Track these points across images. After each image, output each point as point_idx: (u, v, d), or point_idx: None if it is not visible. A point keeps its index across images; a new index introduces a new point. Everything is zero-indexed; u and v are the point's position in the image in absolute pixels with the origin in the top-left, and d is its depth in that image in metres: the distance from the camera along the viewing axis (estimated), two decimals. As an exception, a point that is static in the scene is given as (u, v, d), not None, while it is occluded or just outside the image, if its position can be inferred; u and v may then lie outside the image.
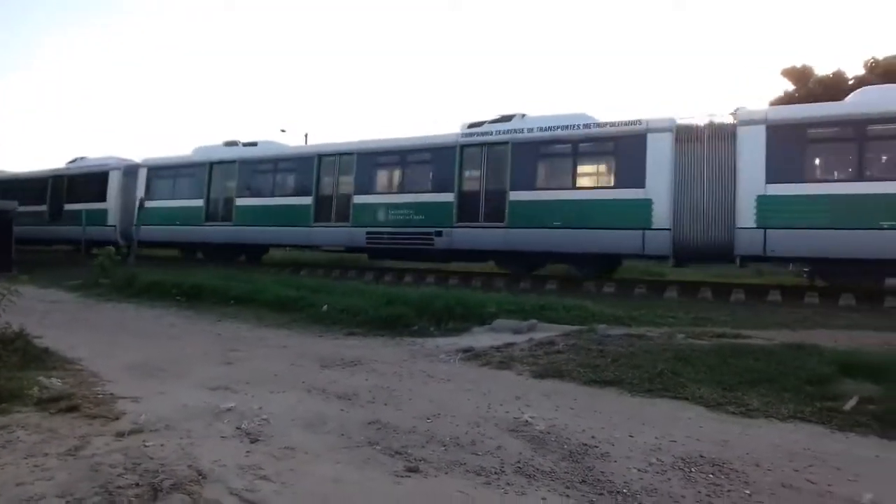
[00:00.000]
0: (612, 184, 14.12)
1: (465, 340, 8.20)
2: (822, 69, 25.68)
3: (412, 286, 13.61)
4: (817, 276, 13.41)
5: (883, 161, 12.04)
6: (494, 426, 4.69)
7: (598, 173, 14.84)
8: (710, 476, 3.81)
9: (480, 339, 8.23)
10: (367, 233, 16.98)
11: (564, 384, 6.02)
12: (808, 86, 24.16)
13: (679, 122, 13.66)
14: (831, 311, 10.59)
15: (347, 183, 17.83)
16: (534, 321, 8.76)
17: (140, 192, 21.57)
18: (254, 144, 20.61)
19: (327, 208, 18.02)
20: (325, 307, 10.19)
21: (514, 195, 14.98)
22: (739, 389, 5.59)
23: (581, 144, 14.73)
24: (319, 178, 18.32)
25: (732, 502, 3.47)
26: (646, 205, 13.35)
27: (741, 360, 6.33)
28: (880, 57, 24.08)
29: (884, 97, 11.85)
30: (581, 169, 14.88)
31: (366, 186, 17.44)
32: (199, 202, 20.42)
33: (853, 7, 71.14)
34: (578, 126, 14.69)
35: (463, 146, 15.97)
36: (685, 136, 13.30)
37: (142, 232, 19.77)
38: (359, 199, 17.40)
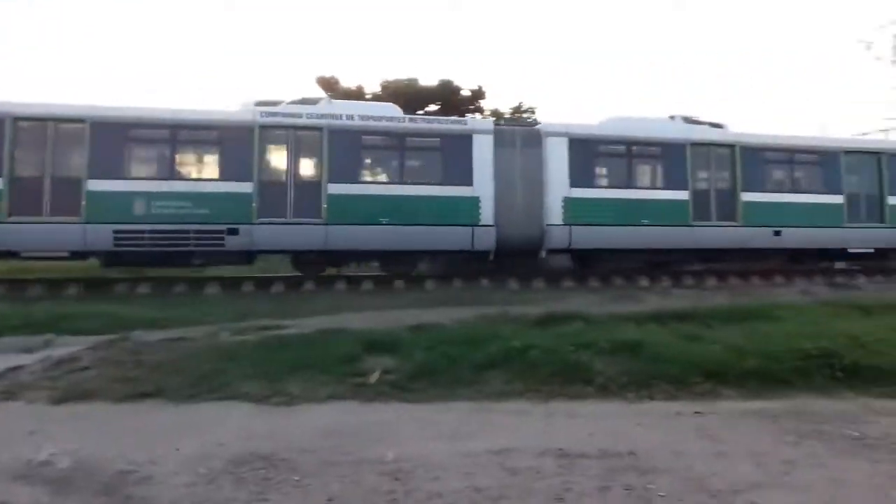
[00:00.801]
0: (442, 181, 13.39)
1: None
2: (347, 82, 29.03)
3: None
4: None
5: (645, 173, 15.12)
6: (-3, 476, 3.73)
7: (426, 169, 13.78)
8: (261, 472, 3.82)
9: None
10: (115, 231, 11.81)
11: (94, 406, 5.22)
12: (334, 96, 27.06)
13: (496, 126, 14.48)
14: (356, 296, 12.07)
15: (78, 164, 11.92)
16: (51, 336, 7.39)
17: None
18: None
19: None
20: None
21: (334, 188, 12.70)
22: (283, 380, 5.79)
23: (409, 139, 13.44)
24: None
25: (284, 493, 3.54)
26: (474, 202, 13.17)
27: (284, 350, 6.59)
28: (391, 78, 28.68)
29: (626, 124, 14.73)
30: (410, 164, 13.68)
31: (112, 169, 12.05)
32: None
33: (371, 30, 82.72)
34: (403, 119, 13.71)
35: (263, 127, 12.60)
36: (502, 140, 13.80)
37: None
38: (98, 185, 11.88)
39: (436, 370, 6.03)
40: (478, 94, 29.72)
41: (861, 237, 15.19)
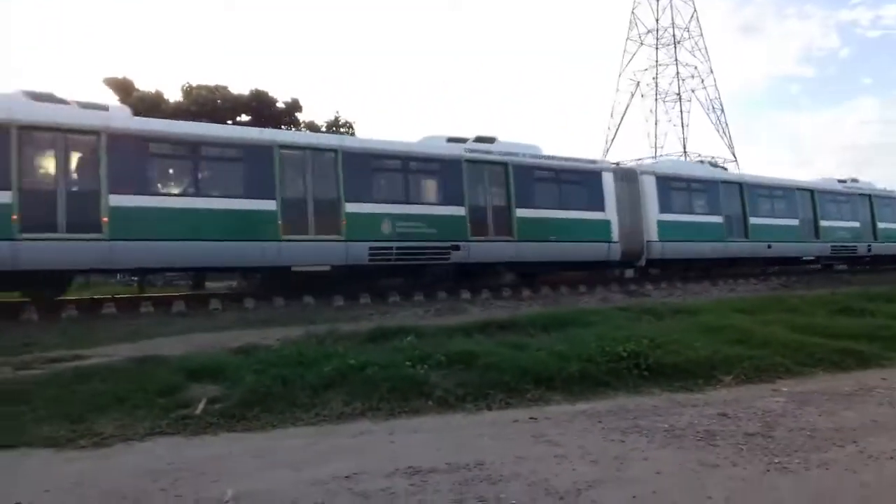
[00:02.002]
0: (586, 207, 16.61)
1: None
2: (144, 85, 26.49)
3: None
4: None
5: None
6: None
7: (576, 198, 16.53)
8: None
9: None
10: (370, 248, 13.53)
11: None
12: (130, 100, 24.53)
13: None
14: (165, 318, 10.97)
15: None
16: None
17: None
18: None
19: None
20: None
21: (521, 212, 15.45)
22: (90, 419, 5.06)
23: (563, 174, 16.56)
24: None
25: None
26: (608, 224, 16.69)
27: (87, 384, 5.77)
28: (195, 84, 26.69)
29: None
30: (565, 193, 16.47)
31: (363, 193, 13.71)
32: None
33: (172, 31, 76.92)
34: (556, 158, 16.74)
35: (468, 161, 15.21)
36: (617, 176, 17.49)
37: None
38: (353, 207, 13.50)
39: (268, 395, 5.68)
40: (293, 107, 28.95)
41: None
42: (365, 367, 6.23)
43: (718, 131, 54.06)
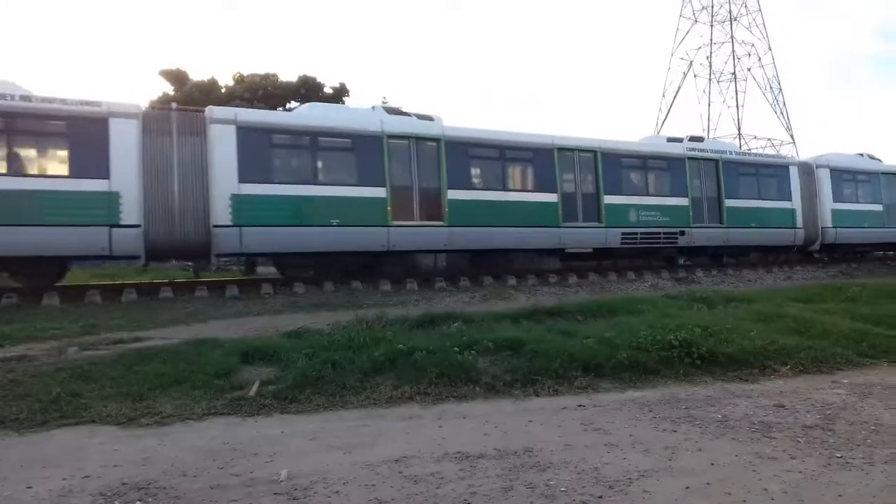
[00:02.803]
0: (777, 198, 18.57)
1: None
2: (198, 75, 27.23)
3: None
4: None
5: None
6: None
7: (767, 190, 18.63)
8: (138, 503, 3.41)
9: None
10: (623, 233, 16.36)
11: (-87, 442, 4.41)
12: (185, 89, 25.23)
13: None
14: (219, 302, 11.29)
15: None
16: None
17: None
18: None
19: None
20: None
21: (730, 203, 17.65)
22: (151, 398, 5.27)
23: (761, 168, 18.81)
24: None
25: (167, 526, 3.18)
26: (793, 213, 18.97)
27: (147, 365, 6.00)
28: (245, 73, 27.30)
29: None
30: (762, 185, 18.68)
31: (614, 187, 16.58)
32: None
33: (226, 26, 78.47)
34: (748, 152, 17.48)
35: (689, 158, 17.61)
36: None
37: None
38: (609, 199, 16.32)
39: (320, 378, 5.79)
40: (341, 91, 29.25)
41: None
42: (413, 352, 6.29)
43: (776, 112, 52.00)
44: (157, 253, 12.18)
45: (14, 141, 11.23)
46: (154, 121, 12.08)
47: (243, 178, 12.01)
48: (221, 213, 11.81)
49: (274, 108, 23.34)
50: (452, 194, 13.88)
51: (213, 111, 12.56)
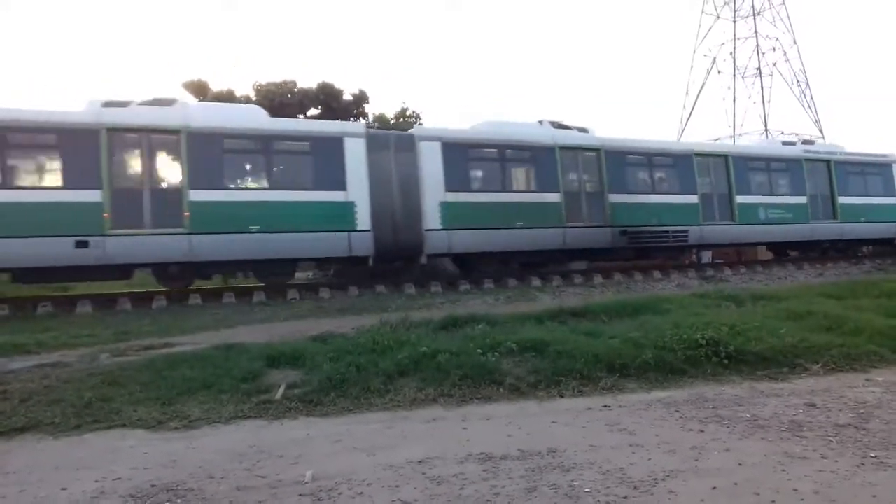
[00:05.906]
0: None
1: None
2: (217, 85, 27.63)
3: None
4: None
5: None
6: None
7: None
8: (167, 505, 3.47)
9: None
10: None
11: (-47, 447, 4.55)
12: (206, 99, 25.63)
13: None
14: (246, 307, 11.45)
15: None
16: None
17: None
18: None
19: None
20: None
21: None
22: (179, 402, 5.36)
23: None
24: None
25: (195, 527, 3.23)
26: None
27: (176, 370, 6.09)
28: (263, 82, 27.65)
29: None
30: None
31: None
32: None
33: (245, 36, 79.65)
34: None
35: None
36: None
37: None
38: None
39: (344, 381, 5.82)
40: (361, 98, 29.39)
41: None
42: (437, 354, 6.29)
43: (803, 106, 50.73)
44: (382, 253, 13.43)
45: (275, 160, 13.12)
46: (375, 139, 13.63)
47: (449, 187, 13.68)
48: (432, 218, 13.49)
49: (293, 115, 23.55)
50: (612, 198, 15.41)
51: (422, 130, 14.64)
